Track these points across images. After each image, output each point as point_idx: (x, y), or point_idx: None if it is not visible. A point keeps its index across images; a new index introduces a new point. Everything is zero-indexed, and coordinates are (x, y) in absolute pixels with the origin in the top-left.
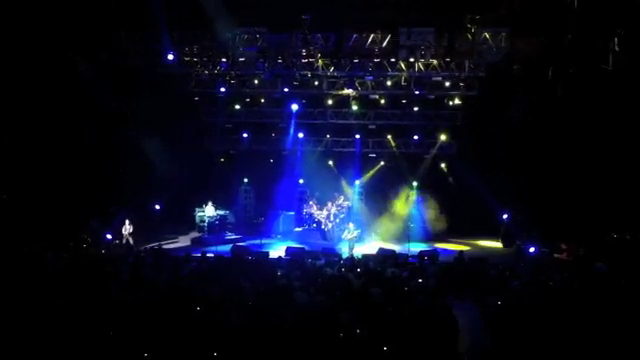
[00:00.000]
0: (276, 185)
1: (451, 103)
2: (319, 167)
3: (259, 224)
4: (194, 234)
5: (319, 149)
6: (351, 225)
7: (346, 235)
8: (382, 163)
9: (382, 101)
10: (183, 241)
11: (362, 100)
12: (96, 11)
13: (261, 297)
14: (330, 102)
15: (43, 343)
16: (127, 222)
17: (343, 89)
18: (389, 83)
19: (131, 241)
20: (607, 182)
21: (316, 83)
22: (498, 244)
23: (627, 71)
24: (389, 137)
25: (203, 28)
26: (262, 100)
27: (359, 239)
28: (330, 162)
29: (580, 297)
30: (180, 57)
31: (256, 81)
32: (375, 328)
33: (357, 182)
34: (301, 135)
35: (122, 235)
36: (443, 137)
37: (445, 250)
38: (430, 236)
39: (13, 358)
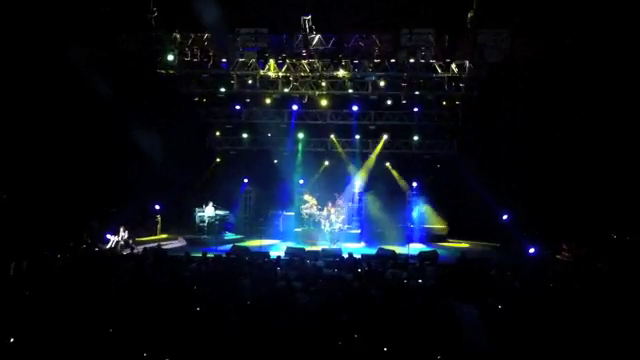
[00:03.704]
0: (276, 186)
1: (451, 104)
2: (319, 168)
3: (259, 224)
4: (192, 235)
5: (319, 149)
6: (336, 218)
7: (327, 227)
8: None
9: (382, 102)
10: (182, 241)
11: (362, 101)
12: (97, 12)
13: (261, 297)
14: (330, 103)
15: (43, 343)
16: (122, 229)
17: (343, 89)
18: (390, 84)
19: (122, 245)
20: (607, 182)
21: (316, 84)
22: (498, 245)
23: (627, 71)
24: (385, 137)
25: (204, 29)
26: (262, 100)
27: (340, 236)
28: (330, 162)
29: (581, 298)
30: (181, 58)
31: (256, 82)
32: (375, 329)
33: (357, 183)
34: (301, 135)
35: (115, 241)
36: (443, 138)
37: (446, 250)
38: (430, 237)
39: (13, 357)
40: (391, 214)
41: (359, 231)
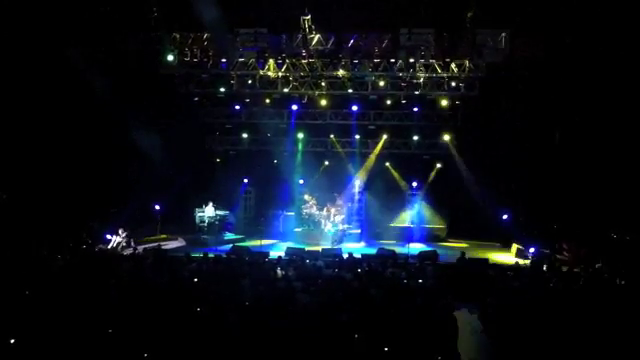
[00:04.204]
0: (276, 186)
1: (451, 103)
2: (319, 168)
3: (259, 224)
4: (192, 235)
5: (319, 149)
6: (339, 218)
7: (329, 227)
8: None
9: (382, 101)
10: (181, 242)
11: (362, 100)
12: (97, 12)
13: (261, 298)
14: (330, 103)
15: (43, 343)
16: (120, 230)
17: (343, 89)
18: (389, 83)
19: (123, 246)
20: (607, 182)
21: (316, 83)
22: (498, 244)
23: (627, 71)
24: (384, 137)
25: (203, 29)
26: (262, 101)
27: (343, 237)
28: (329, 162)
29: (581, 298)
30: (180, 58)
31: (256, 82)
32: (375, 329)
33: (357, 183)
34: (301, 135)
35: (116, 241)
36: (443, 137)
37: (446, 250)
38: (430, 237)
39: (13, 358)
40: (391, 214)
41: (359, 231)
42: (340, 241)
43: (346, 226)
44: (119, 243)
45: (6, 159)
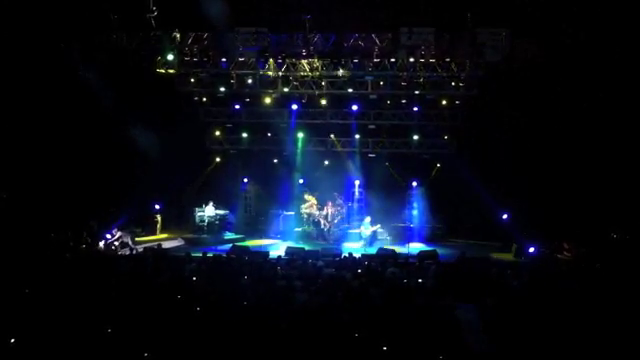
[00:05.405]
0: (276, 185)
1: (451, 103)
2: (319, 167)
3: (259, 224)
4: (192, 234)
5: (319, 149)
6: (368, 219)
7: (362, 230)
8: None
9: (382, 101)
10: (180, 241)
11: (362, 100)
12: (96, 11)
13: (260, 297)
14: (330, 102)
15: (43, 343)
16: (115, 230)
17: (343, 89)
18: (389, 83)
19: (118, 246)
20: (607, 182)
21: (316, 83)
22: (498, 244)
23: (627, 71)
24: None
25: (203, 28)
26: (262, 100)
27: (373, 239)
28: (329, 162)
29: (581, 297)
30: (180, 57)
31: (256, 81)
32: (375, 328)
33: (357, 182)
34: (301, 135)
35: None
36: (443, 137)
37: (445, 249)
38: (430, 236)
39: (13, 357)
40: (391, 213)
41: (359, 230)
42: (371, 243)
43: (377, 226)
44: (113, 242)
45: (6, 158)
